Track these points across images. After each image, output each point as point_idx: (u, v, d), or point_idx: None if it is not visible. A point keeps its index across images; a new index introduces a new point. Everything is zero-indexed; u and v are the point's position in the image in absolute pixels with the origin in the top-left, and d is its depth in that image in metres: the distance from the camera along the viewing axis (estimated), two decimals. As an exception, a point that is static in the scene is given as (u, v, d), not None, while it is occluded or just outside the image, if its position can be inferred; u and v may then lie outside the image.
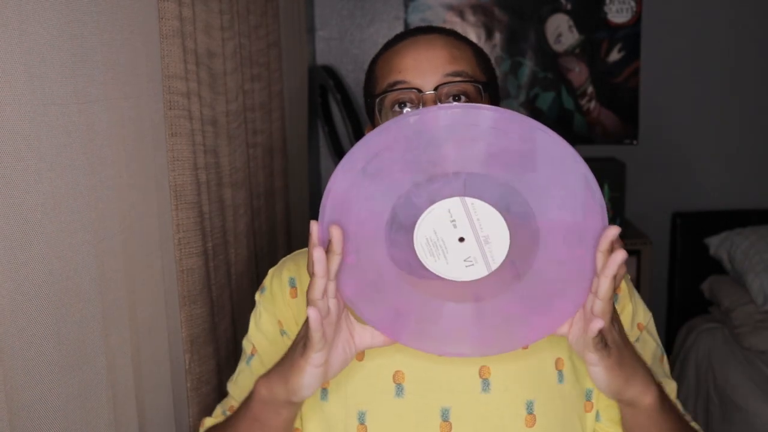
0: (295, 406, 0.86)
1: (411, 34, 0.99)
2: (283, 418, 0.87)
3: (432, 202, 0.77)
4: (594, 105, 2.92)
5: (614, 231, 0.75)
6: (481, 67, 0.97)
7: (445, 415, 0.92)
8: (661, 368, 0.99)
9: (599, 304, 0.76)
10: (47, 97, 0.76)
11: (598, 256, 0.75)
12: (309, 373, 0.81)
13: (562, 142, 0.75)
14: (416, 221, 0.77)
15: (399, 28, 2.87)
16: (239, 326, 1.42)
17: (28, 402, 0.76)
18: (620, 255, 0.74)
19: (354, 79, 2.86)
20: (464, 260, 0.78)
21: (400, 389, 0.93)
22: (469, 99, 0.93)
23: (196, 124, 1.17)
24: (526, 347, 0.94)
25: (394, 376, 0.93)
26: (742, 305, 2.59)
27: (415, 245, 0.78)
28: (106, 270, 0.89)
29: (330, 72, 2.76)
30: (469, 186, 0.77)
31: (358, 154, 0.77)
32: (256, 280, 1.58)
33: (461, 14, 2.85)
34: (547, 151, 0.75)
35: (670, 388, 0.95)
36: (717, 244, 2.80)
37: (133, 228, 0.97)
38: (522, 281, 0.79)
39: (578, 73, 2.90)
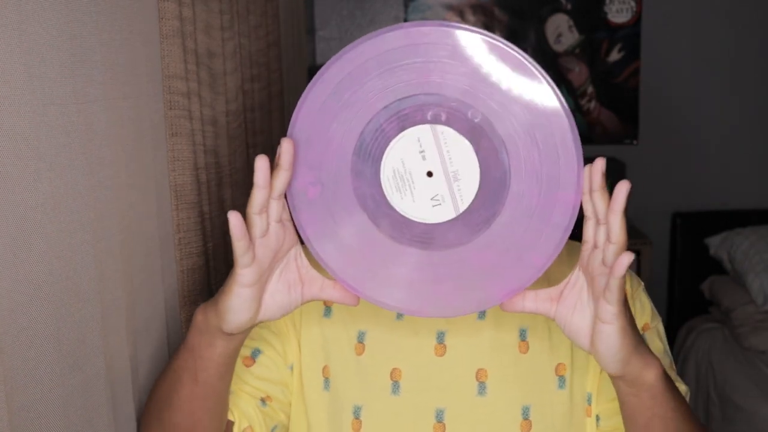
0: (228, 341, 0.80)
1: None
2: (218, 352, 0.81)
3: (402, 129, 0.73)
4: (594, 105, 2.92)
5: (601, 163, 0.71)
6: None
7: (439, 416, 0.92)
8: (672, 373, 0.96)
9: (613, 248, 0.70)
10: (46, 97, 0.76)
11: (594, 196, 0.71)
12: (236, 293, 0.75)
13: (546, 78, 0.71)
14: (384, 150, 0.73)
15: (399, 28, 2.88)
16: (239, 326, 1.42)
17: (28, 402, 0.76)
18: (625, 184, 0.69)
19: (354, 79, 2.85)
20: (431, 198, 0.73)
21: (396, 387, 0.93)
22: None
23: (196, 124, 1.17)
24: (521, 338, 0.93)
25: (391, 373, 0.93)
26: (742, 305, 2.59)
27: (381, 178, 0.73)
28: (106, 270, 0.89)
29: (330, 72, 2.76)
30: (441, 113, 0.73)
31: (330, 71, 0.73)
32: (256, 280, 1.58)
33: (461, 14, 2.85)
34: (526, 82, 0.71)
35: (681, 389, 0.90)
36: (717, 244, 2.80)
37: (132, 228, 0.97)
38: (491, 227, 0.75)
39: (578, 73, 2.90)
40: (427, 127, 0.72)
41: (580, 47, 2.89)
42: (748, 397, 2.31)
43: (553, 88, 0.72)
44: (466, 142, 0.72)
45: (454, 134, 0.72)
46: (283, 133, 2.08)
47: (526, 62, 0.71)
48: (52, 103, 0.77)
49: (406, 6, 2.85)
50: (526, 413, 0.91)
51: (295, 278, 0.79)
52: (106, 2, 0.88)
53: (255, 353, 0.94)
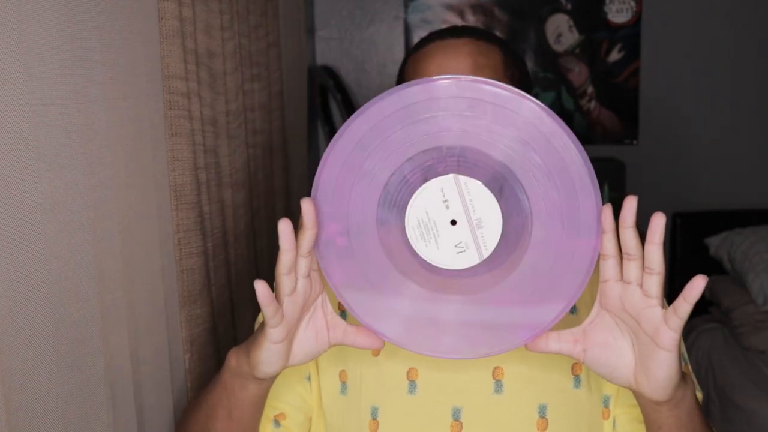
0: (261, 383, 0.83)
1: (440, 36, 0.98)
2: (250, 393, 0.84)
3: (425, 179, 0.74)
4: (594, 105, 2.92)
5: (633, 202, 0.71)
6: (507, 74, 0.96)
7: (456, 415, 0.92)
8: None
9: (656, 279, 0.71)
10: (46, 97, 0.76)
11: (625, 233, 0.72)
12: (266, 348, 0.77)
13: (563, 125, 0.73)
14: (408, 200, 0.75)
15: (399, 28, 2.88)
16: (239, 326, 1.42)
17: (27, 402, 0.76)
18: (662, 218, 0.70)
19: (354, 79, 2.85)
20: (455, 246, 0.75)
21: (413, 386, 0.93)
22: None
23: (196, 124, 1.17)
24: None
25: (408, 373, 0.93)
26: (742, 305, 2.58)
27: (406, 227, 0.75)
28: (105, 270, 0.89)
29: (330, 72, 2.76)
30: (463, 163, 0.75)
31: (354, 125, 0.75)
32: (255, 280, 1.58)
33: (461, 14, 2.85)
34: (545, 132, 0.73)
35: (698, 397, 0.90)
36: (717, 244, 2.79)
37: (131, 228, 0.97)
38: (514, 272, 0.76)
39: (578, 73, 2.90)
40: (450, 177, 0.74)
41: (580, 47, 2.89)
42: (748, 397, 2.31)
43: (569, 134, 0.73)
44: (488, 191, 0.74)
45: (476, 184, 0.74)
46: (283, 133, 2.07)
47: (540, 108, 0.73)
48: (52, 103, 0.77)
49: (406, 6, 2.85)
50: (542, 411, 0.92)
51: (321, 325, 0.81)
52: (106, 2, 0.88)
53: None
